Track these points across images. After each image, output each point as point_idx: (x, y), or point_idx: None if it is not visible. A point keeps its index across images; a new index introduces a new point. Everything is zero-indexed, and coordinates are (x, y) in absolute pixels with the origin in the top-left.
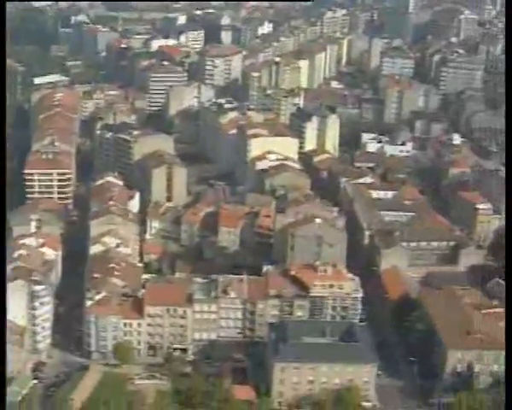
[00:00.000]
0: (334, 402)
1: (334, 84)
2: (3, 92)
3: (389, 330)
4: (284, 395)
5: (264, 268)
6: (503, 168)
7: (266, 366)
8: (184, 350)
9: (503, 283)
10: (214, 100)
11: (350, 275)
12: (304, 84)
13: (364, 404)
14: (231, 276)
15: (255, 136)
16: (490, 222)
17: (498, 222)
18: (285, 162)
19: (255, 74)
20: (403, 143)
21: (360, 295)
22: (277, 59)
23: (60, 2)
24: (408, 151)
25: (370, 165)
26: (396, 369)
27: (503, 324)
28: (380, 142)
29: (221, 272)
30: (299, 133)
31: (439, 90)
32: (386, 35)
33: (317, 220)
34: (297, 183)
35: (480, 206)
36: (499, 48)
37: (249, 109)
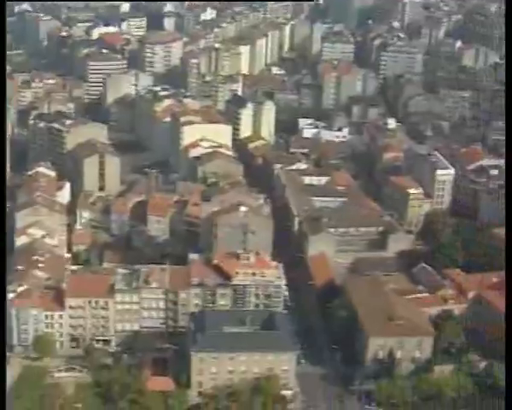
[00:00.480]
0: (253, 392)
1: (275, 69)
2: (3, 92)
3: (314, 318)
4: (203, 385)
5: (190, 257)
6: (435, 153)
7: (187, 356)
8: (107, 342)
9: (428, 268)
10: (150, 87)
11: (273, 263)
12: (244, 71)
13: (284, 392)
14: (153, 266)
15: (188, 123)
16: (421, 207)
17: (430, 206)
18: (218, 150)
19: (194, 61)
20: (339, 129)
21: (283, 282)
22: (217, 45)
23: None
24: (344, 136)
25: (305, 151)
26: (319, 357)
27: (426, 309)
28: (316, 127)
29: (149, 261)
30: (234, 120)
31: (378, 75)
32: (329, 20)
33: (242, 208)
34: (229, 170)
35: (411, 190)
36: (442, 31)
37: (185, 97)
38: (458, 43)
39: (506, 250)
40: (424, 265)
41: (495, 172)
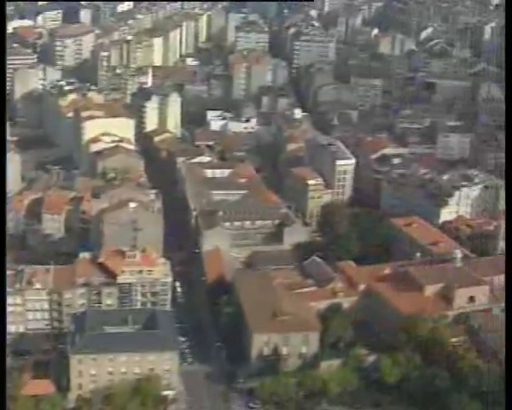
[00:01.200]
0: (133, 393)
1: (190, 60)
2: (3, 92)
3: (202, 315)
4: (83, 387)
5: (80, 256)
6: (336, 142)
7: (68, 358)
8: None
9: (319, 261)
10: (57, 82)
11: (161, 259)
12: (158, 62)
13: (165, 393)
14: (37, 266)
15: (90, 118)
16: (321, 198)
17: (331, 197)
18: (120, 144)
19: (104, 54)
20: (247, 120)
21: (170, 279)
22: (129, 37)
23: None
24: (252, 127)
25: (210, 143)
26: (206, 354)
27: (315, 303)
28: (224, 119)
29: (44, 260)
30: (139, 113)
31: (291, 64)
32: (246, 10)
33: (131, 204)
34: (129, 165)
35: (311, 181)
36: (359, 19)
37: (90, 90)
38: (375, 31)
39: (506, 250)
40: (315, 258)
41: (397, 160)
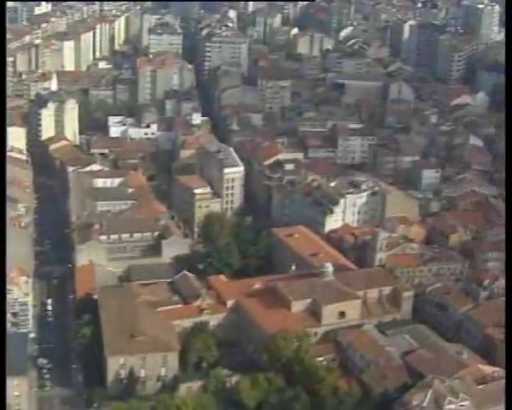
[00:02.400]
0: None
1: (103, 64)
2: (3, 92)
3: (66, 335)
4: None
5: None
6: (226, 149)
7: None
8: None
9: (190, 275)
10: None
11: (23, 278)
12: (70, 67)
13: None
14: None
15: None
16: (209, 207)
17: (219, 206)
18: (9, 153)
19: (10, 59)
20: (148, 126)
21: (30, 299)
22: (37, 41)
23: None
24: (153, 133)
25: (105, 151)
26: (66, 378)
27: (179, 322)
28: (124, 125)
29: None
30: (36, 121)
31: (203, 67)
32: (164, 10)
33: None
34: (16, 175)
35: (198, 190)
36: (278, 19)
37: None
38: (294, 31)
39: (506, 250)
40: (186, 272)
41: (290, 166)
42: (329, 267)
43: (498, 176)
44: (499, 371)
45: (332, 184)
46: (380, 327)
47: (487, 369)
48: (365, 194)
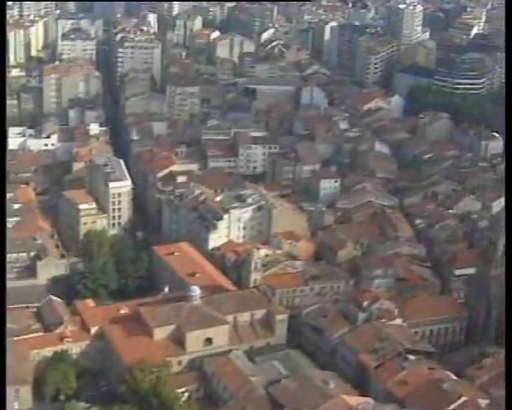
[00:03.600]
0: None
1: (16, 71)
2: (3, 92)
3: None
4: None
5: None
6: (116, 161)
7: None
8: None
9: (55, 300)
10: None
11: None
12: None
13: None
14: None
15: None
16: (95, 223)
17: (106, 222)
18: None
19: None
20: (48, 136)
21: None
22: None
23: None
24: (53, 144)
25: None
26: None
27: (37, 351)
28: (24, 136)
29: None
30: None
31: (115, 73)
32: (82, 14)
33: None
34: None
35: (83, 206)
36: (199, 21)
37: None
38: (215, 34)
39: (506, 251)
40: (51, 297)
41: (183, 178)
42: (196, 291)
43: (401, 185)
44: (366, 403)
45: (218, 198)
46: (250, 353)
47: (353, 400)
48: (251, 208)
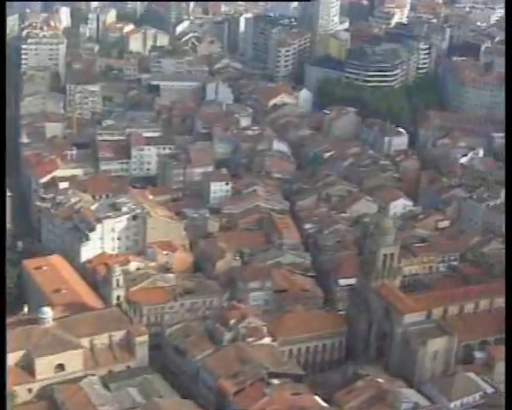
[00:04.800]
0: None
1: None
2: (3, 92)
3: None
4: None
5: None
6: None
7: None
8: None
9: None
10: None
11: None
12: None
13: None
14: None
15: None
16: None
17: None
18: None
19: None
20: None
21: None
22: None
23: None
24: None
25: None
26: None
27: None
28: None
29: None
30: None
31: (19, 71)
32: None
33: None
34: None
35: None
36: (112, 15)
37: None
38: (129, 27)
39: (506, 249)
40: None
41: (65, 184)
42: (47, 313)
43: (296, 186)
44: None
45: (93, 207)
46: (108, 379)
47: None
48: (125, 217)
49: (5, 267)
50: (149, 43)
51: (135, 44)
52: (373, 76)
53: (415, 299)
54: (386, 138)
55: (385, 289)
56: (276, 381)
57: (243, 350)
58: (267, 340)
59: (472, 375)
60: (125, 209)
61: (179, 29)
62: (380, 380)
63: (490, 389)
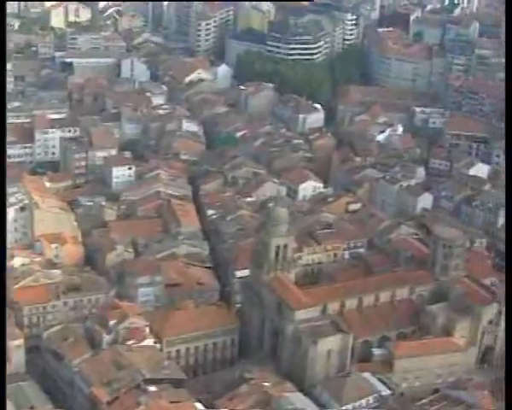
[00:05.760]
0: None
1: None
2: (3, 92)
3: None
4: None
5: None
6: None
7: None
8: None
9: None
10: None
11: None
12: None
13: None
14: None
15: None
16: None
17: None
18: None
19: None
20: None
21: None
22: None
23: None
24: None
25: None
26: None
27: None
28: None
29: None
30: None
31: None
32: None
33: None
34: None
35: None
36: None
37: None
38: (50, 2)
39: (506, 249)
40: None
41: None
42: None
43: (203, 169)
44: None
45: None
46: None
47: None
48: (13, 209)
49: (5, 267)
50: (72, 18)
51: (56, 20)
52: (294, 49)
53: (310, 292)
54: (301, 116)
55: (277, 283)
56: (153, 388)
57: (120, 354)
58: (149, 341)
59: (367, 375)
60: (12, 200)
61: (102, 3)
62: (266, 384)
63: (386, 391)
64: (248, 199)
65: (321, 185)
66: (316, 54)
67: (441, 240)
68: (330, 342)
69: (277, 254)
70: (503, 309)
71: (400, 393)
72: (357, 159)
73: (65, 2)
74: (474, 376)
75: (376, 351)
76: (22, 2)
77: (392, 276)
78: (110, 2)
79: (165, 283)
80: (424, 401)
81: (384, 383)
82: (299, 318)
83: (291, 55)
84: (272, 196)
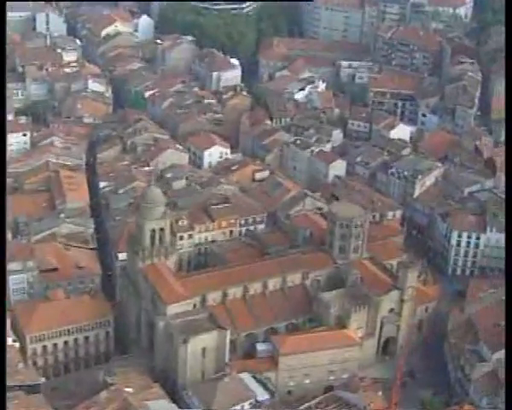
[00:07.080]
0: None
1: None
2: (3, 92)
3: None
4: None
5: None
6: None
7: None
8: None
9: None
10: None
11: None
12: None
13: None
14: None
15: None
16: None
17: None
18: None
19: None
20: None
21: None
22: None
23: None
24: None
25: None
26: None
27: None
28: None
29: None
30: None
31: None
32: None
33: None
34: None
35: None
36: None
37: None
38: None
39: (506, 250)
40: None
41: None
42: None
43: (105, 134)
44: None
45: None
46: None
47: None
48: None
49: (5, 268)
50: None
51: None
52: None
53: (189, 281)
54: (215, 73)
55: (152, 272)
56: None
57: None
58: (8, 340)
59: (245, 376)
60: None
61: None
62: (128, 389)
63: (264, 395)
64: (146, 168)
65: (228, 151)
66: (243, 4)
67: (338, 219)
68: (205, 340)
69: (153, 238)
70: (406, 297)
71: (288, 392)
72: (269, 121)
73: None
74: (371, 370)
75: (260, 346)
76: None
77: (285, 259)
78: None
79: (40, 268)
80: (311, 402)
81: (263, 385)
82: (172, 312)
83: (217, 5)
84: (173, 164)
